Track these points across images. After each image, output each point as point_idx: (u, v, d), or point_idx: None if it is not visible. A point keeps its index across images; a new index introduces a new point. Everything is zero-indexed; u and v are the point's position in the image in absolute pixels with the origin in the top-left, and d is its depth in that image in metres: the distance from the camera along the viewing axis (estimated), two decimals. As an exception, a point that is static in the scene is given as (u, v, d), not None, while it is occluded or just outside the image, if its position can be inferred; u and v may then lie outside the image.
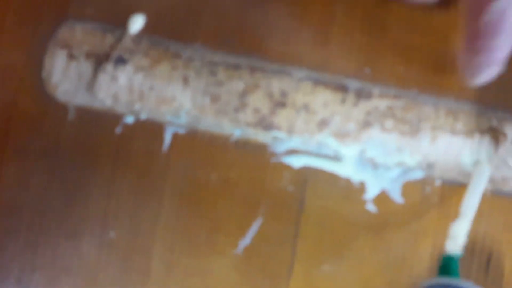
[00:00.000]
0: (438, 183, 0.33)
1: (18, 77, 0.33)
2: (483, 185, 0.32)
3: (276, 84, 0.34)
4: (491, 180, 0.33)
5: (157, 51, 0.34)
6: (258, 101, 0.34)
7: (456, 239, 0.31)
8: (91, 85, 0.33)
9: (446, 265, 0.31)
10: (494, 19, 0.29)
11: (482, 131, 0.33)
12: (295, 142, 0.33)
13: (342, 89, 0.34)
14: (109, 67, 0.33)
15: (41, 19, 0.34)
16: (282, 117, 0.34)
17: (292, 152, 0.33)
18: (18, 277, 0.32)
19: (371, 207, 0.33)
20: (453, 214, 0.32)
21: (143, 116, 0.33)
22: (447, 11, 0.34)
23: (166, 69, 0.34)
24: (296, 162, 0.33)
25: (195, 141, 0.33)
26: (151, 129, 0.33)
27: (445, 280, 0.31)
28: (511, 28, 0.29)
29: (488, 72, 0.31)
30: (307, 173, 0.33)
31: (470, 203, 0.32)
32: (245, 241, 0.33)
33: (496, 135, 0.33)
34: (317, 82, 0.34)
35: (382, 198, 0.33)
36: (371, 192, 0.33)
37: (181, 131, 0.33)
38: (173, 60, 0.34)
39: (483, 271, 0.32)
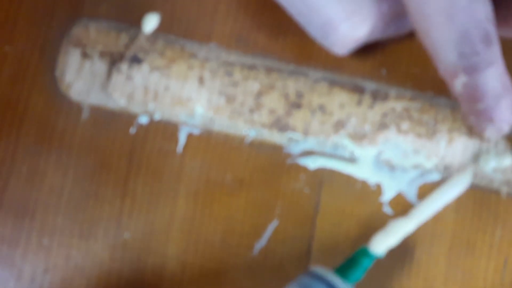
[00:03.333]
0: (454, 185, 0.33)
1: (31, 76, 0.33)
2: (452, 194, 0.32)
3: (292, 85, 0.34)
4: (508, 182, 0.33)
5: (172, 51, 0.33)
6: (273, 102, 0.33)
7: (387, 238, 0.31)
8: (105, 85, 0.33)
9: (356, 259, 0.31)
10: (468, 89, 0.29)
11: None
12: (310, 143, 0.33)
13: (358, 90, 0.34)
14: (123, 66, 0.33)
15: (54, 17, 0.34)
16: (297, 118, 0.33)
17: (307, 153, 0.33)
18: (31, 277, 0.32)
19: (387, 210, 0.33)
20: (470, 217, 0.32)
21: (158, 116, 0.33)
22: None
23: (181, 69, 0.33)
24: (312, 163, 0.33)
25: (210, 142, 0.33)
26: (165, 130, 0.33)
27: (324, 273, 0.30)
28: (492, 93, 0.29)
29: (498, 128, 0.30)
30: (323, 174, 0.33)
31: (427, 208, 0.32)
32: (261, 242, 0.33)
33: (511, 137, 0.33)
34: (333, 83, 0.34)
35: (399, 201, 0.33)
36: (388, 194, 0.33)
37: (196, 131, 0.33)
38: (188, 60, 0.33)
39: (499, 274, 0.32)
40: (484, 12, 0.27)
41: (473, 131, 0.32)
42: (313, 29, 0.31)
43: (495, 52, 0.28)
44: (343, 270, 0.31)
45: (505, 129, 0.31)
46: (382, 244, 0.31)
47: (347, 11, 0.30)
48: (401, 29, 0.32)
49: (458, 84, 0.29)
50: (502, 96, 0.29)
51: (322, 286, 0.29)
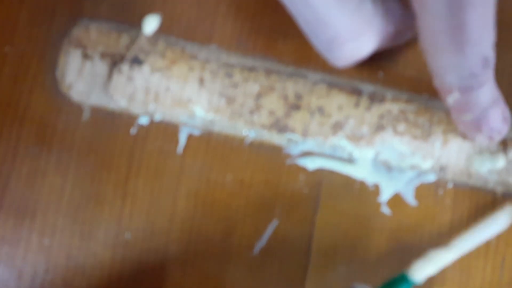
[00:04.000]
0: (450, 186, 0.33)
1: (31, 76, 0.33)
2: (494, 230, 0.32)
3: (291, 87, 0.34)
4: (503, 183, 0.33)
5: (173, 52, 0.34)
6: (273, 103, 0.34)
7: (427, 267, 0.32)
8: (106, 86, 0.33)
9: (396, 284, 0.31)
10: (459, 104, 0.30)
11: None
12: (309, 144, 0.34)
13: (356, 92, 0.34)
14: (124, 67, 0.33)
15: (55, 18, 0.34)
16: (296, 119, 0.34)
17: (306, 154, 0.34)
18: (32, 278, 0.32)
19: (385, 210, 0.33)
20: (466, 217, 0.33)
21: (158, 117, 0.33)
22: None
23: (182, 70, 0.34)
24: (311, 164, 0.34)
25: (210, 143, 0.33)
26: (166, 130, 0.33)
27: None
28: (481, 106, 0.30)
29: (488, 137, 0.32)
30: (322, 175, 0.33)
31: (468, 241, 0.32)
32: (261, 243, 0.33)
33: (505, 140, 0.34)
34: (332, 85, 0.34)
35: (396, 201, 0.33)
36: (386, 194, 0.33)
37: (196, 132, 0.33)
38: (189, 61, 0.34)
39: (497, 274, 0.33)
40: (489, 41, 0.28)
41: (464, 136, 0.33)
42: (318, 41, 0.31)
43: (490, 73, 0.29)
44: None
45: (496, 138, 0.32)
46: (422, 272, 0.32)
47: (356, 30, 0.30)
48: (400, 42, 0.33)
49: (450, 99, 0.30)
50: (491, 108, 0.30)
51: None
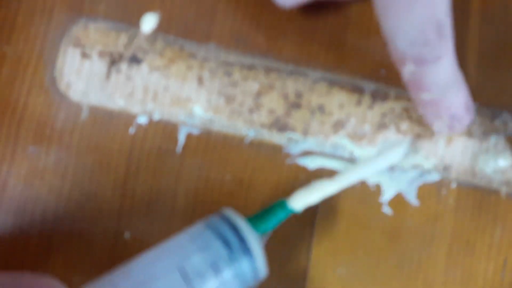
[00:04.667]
0: (454, 185, 0.33)
1: (30, 76, 0.33)
2: (384, 164, 0.32)
3: (291, 85, 0.33)
4: (507, 183, 0.33)
5: (171, 51, 0.33)
6: (273, 102, 0.33)
7: (307, 196, 0.31)
8: (104, 85, 0.33)
9: (272, 210, 0.31)
10: (415, 78, 0.29)
11: (498, 134, 0.33)
12: (310, 143, 0.33)
13: (357, 90, 0.34)
14: (123, 66, 0.33)
15: (53, 17, 0.34)
16: (297, 118, 0.33)
17: (307, 153, 0.33)
18: (30, 278, 0.32)
19: (387, 210, 0.33)
20: (469, 217, 0.32)
21: (157, 116, 0.33)
22: (462, 13, 0.34)
23: (181, 69, 0.33)
24: (311, 163, 0.33)
25: (209, 142, 0.33)
26: (165, 129, 0.33)
27: (233, 216, 0.29)
28: (439, 85, 0.29)
29: (449, 126, 0.31)
30: (322, 174, 0.33)
31: (354, 173, 0.32)
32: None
33: (511, 138, 0.33)
34: (333, 83, 0.34)
35: (398, 201, 0.33)
36: (387, 194, 0.33)
37: (195, 131, 0.33)
38: (188, 60, 0.33)
39: (499, 275, 0.32)
40: (442, 4, 0.27)
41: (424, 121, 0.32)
42: None
43: (447, 46, 0.28)
44: (256, 219, 0.30)
45: (457, 127, 0.31)
46: (301, 200, 0.31)
47: None
48: None
49: (406, 72, 0.29)
50: (451, 89, 0.29)
51: (226, 227, 0.29)
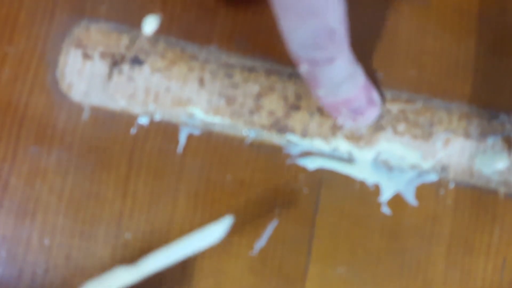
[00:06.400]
0: (452, 186, 0.33)
1: (31, 76, 0.33)
2: (200, 245, 0.30)
3: (291, 87, 0.34)
4: (505, 183, 0.33)
5: (173, 53, 0.34)
6: (273, 103, 0.34)
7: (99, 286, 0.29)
8: (106, 85, 0.33)
9: None
10: (309, 77, 0.31)
11: (495, 135, 0.34)
12: (309, 144, 0.34)
13: (356, 92, 0.34)
14: (125, 67, 0.33)
15: (55, 18, 0.34)
16: (296, 119, 0.34)
17: (306, 154, 0.33)
18: (31, 278, 0.32)
19: (385, 210, 0.33)
20: (468, 217, 0.33)
21: (158, 117, 0.33)
22: (460, 14, 0.34)
23: (182, 71, 0.34)
24: (311, 164, 0.33)
25: (210, 143, 0.33)
26: (166, 130, 0.33)
27: None
28: (331, 84, 0.30)
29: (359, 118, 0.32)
30: (322, 175, 0.33)
31: (162, 257, 0.30)
32: (261, 242, 0.33)
33: (508, 139, 0.34)
34: (332, 85, 0.34)
35: (397, 201, 0.33)
36: (386, 194, 0.33)
37: (196, 132, 0.33)
38: (189, 61, 0.34)
39: (498, 274, 0.33)
40: (335, 14, 0.28)
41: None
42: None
43: (340, 48, 0.29)
44: None
45: (360, 120, 0.32)
46: None
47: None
48: None
49: (301, 70, 0.30)
50: (345, 87, 0.31)
51: None
